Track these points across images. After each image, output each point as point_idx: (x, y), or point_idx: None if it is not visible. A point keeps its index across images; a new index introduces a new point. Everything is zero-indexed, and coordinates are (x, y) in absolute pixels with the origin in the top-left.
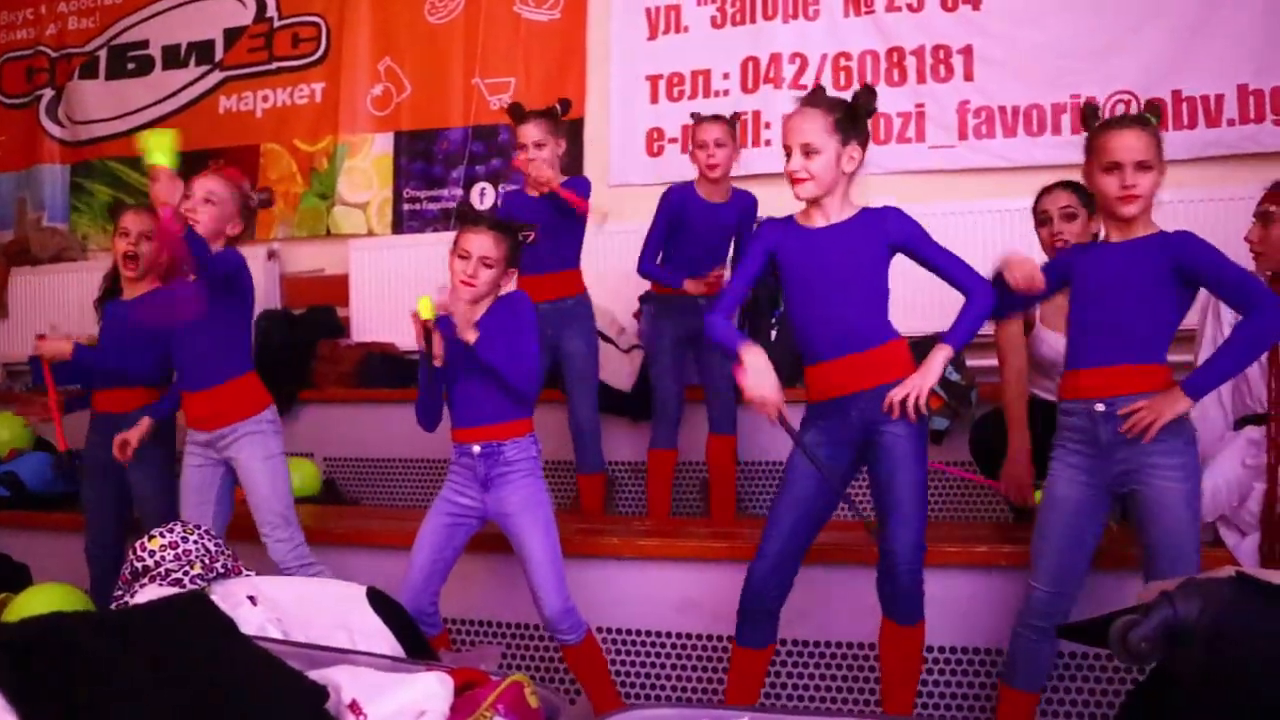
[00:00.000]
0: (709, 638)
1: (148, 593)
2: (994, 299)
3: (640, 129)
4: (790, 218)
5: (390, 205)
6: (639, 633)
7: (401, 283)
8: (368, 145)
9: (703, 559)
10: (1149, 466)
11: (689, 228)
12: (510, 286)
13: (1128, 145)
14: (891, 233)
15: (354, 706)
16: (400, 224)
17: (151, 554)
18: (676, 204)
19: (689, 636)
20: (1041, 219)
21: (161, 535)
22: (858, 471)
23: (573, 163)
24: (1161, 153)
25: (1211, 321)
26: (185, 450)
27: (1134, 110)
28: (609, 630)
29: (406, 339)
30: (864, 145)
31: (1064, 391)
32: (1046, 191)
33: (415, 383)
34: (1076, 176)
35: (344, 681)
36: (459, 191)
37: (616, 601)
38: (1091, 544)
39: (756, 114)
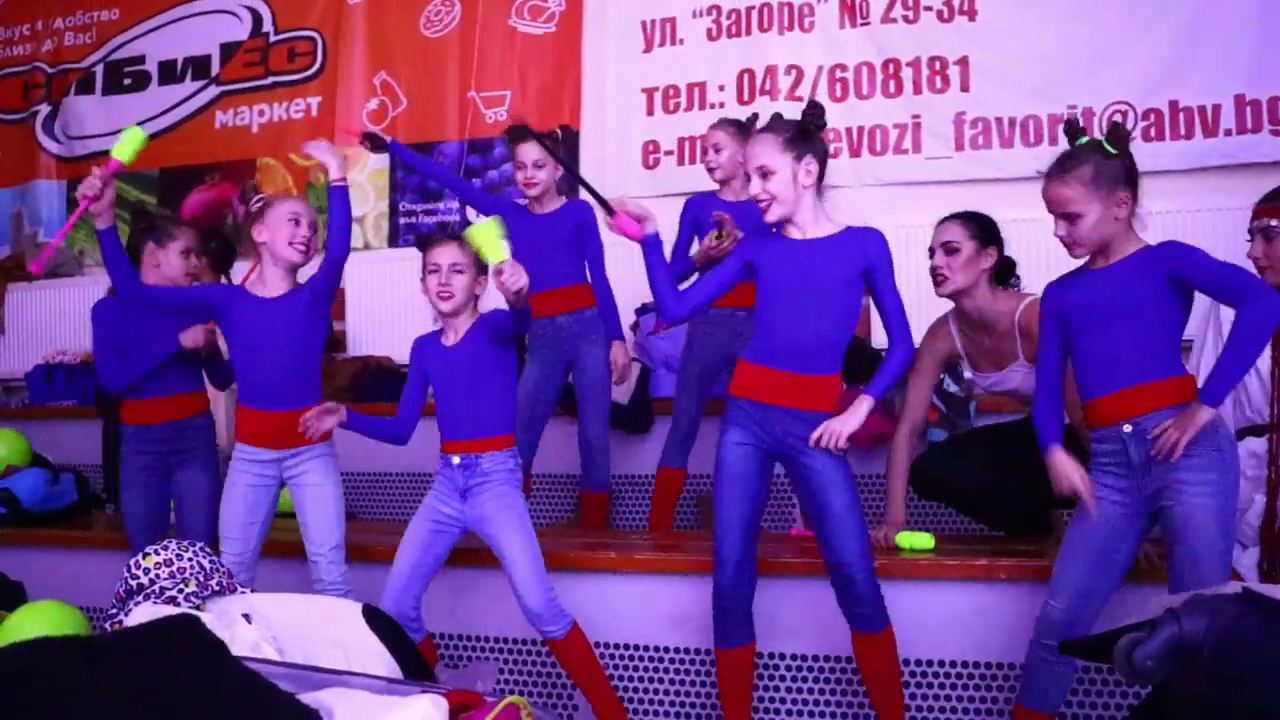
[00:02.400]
0: (707, 652)
1: (141, 611)
2: (911, 352)
3: (636, 142)
4: (776, 231)
5: (386, 219)
6: (636, 648)
7: (397, 296)
8: (364, 159)
9: (700, 573)
10: (1179, 483)
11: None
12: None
13: (1050, 198)
14: (870, 256)
15: None
16: (396, 238)
17: (146, 571)
18: (695, 211)
19: (687, 651)
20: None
21: (156, 553)
22: (775, 475)
23: (569, 176)
24: (1106, 181)
25: (1212, 332)
26: (233, 468)
27: (1131, 120)
28: (606, 645)
29: (402, 353)
30: (820, 158)
31: (1091, 421)
32: (939, 223)
33: None
34: None
35: (336, 704)
36: (455, 205)
37: (614, 616)
38: (1122, 566)
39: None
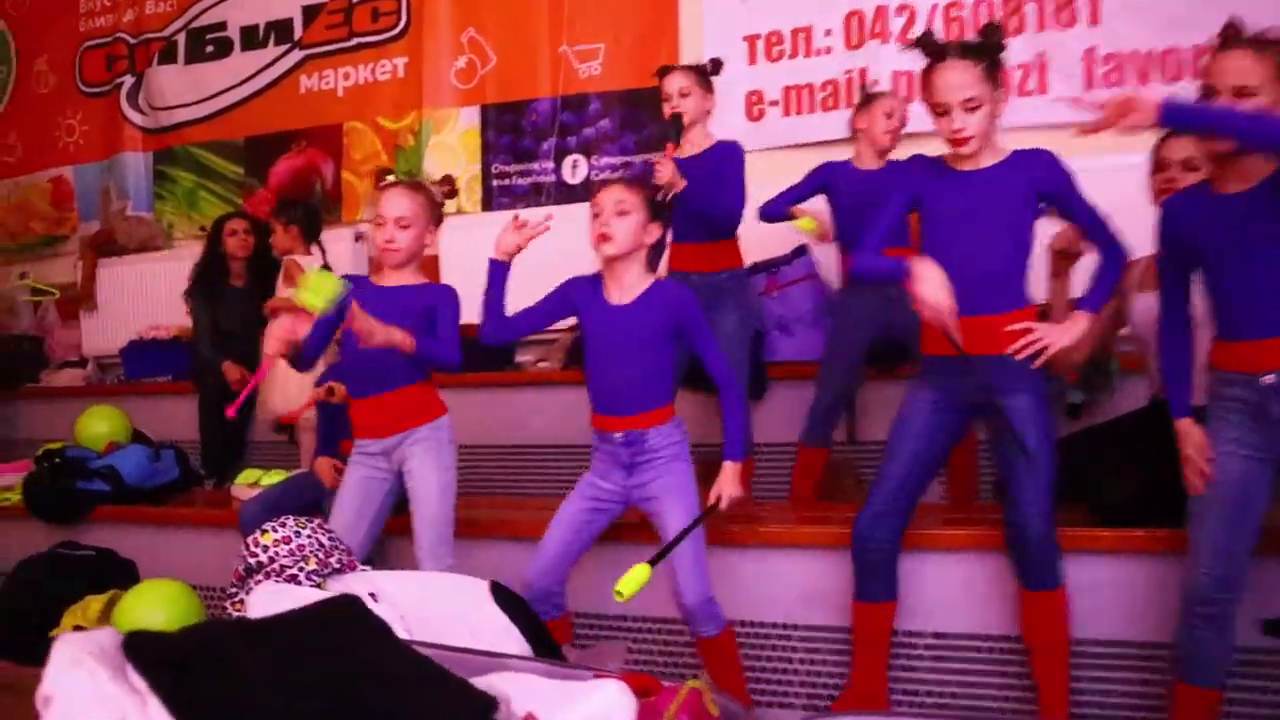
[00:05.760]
0: (839, 630)
1: (262, 589)
2: (1126, 256)
3: (738, 93)
4: (939, 158)
5: (479, 182)
6: (764, 625)
7: None
8: (453, 120)
9: (829, 546)
10: None
11: (850, 200)
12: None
13: (1222, 68)
14: (1043, 179)
15: (530, 719)
16: (490, 201)
17: (265, 549)
18: (825, 177)
19: (817, 629)
20: (1158, 165)
21: (274, 530)
22: (967, 434)
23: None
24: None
25: None
26: (351, 460)
27: None
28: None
29: None
30: (1004, 86)
31: (1220, 362)
32: (1164, 140)
33: (509, 366)
34: None
35: (511, 690)
36: (550, 164)
37: (740, 592)
38: (1257, 520)
39: (863, 72)
